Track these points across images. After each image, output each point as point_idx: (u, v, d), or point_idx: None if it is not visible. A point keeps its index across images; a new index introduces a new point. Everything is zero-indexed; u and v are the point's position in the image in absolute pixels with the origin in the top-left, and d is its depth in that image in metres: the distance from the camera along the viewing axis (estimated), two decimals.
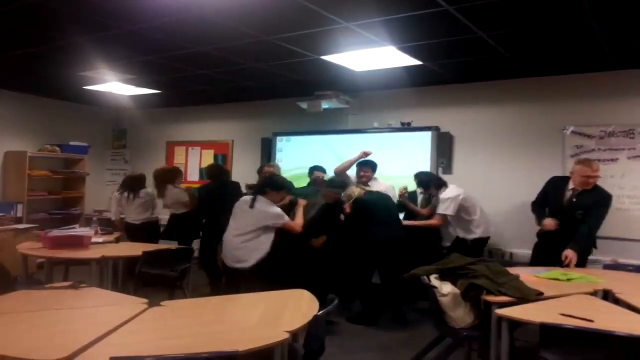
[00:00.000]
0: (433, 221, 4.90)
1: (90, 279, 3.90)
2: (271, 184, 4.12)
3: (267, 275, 3.90)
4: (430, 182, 4.95)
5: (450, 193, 4.77)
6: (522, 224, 5.09)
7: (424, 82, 5.62)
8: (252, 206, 3.98)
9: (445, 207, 4.73)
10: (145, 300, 2.64)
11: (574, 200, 4.12)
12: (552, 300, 2.84)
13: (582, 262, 3.97)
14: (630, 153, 4.78)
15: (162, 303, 2.63)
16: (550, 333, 2.36)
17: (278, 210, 4.03)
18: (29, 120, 7.29)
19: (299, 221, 4.18)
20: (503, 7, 3.23)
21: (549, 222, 4.17)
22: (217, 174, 5.57)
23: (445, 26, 3.62)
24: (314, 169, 5.50)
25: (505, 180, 5.36)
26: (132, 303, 2.65)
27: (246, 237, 3.95)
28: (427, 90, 5.82)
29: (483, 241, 4.85)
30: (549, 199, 4.32)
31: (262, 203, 4.00)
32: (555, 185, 4.33)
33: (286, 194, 4.30)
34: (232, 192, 5.06)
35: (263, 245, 3.95)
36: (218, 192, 5.33)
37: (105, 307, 2.64)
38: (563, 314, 2.50)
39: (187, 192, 5.63)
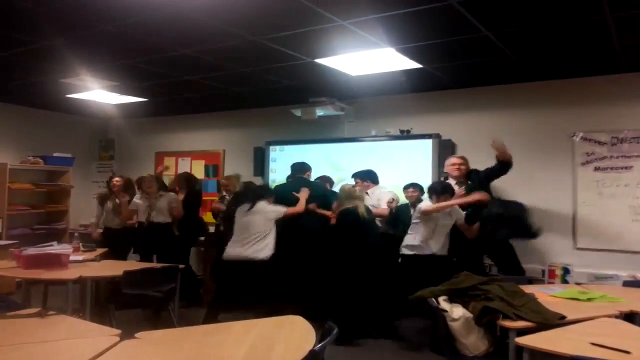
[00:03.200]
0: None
1: (68, 301, 3.63)
2: (268, 191, 4.75)
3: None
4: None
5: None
6: None
7: (424, 87, 5.39)
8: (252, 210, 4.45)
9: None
10: (118, 332, 2.34)
11: None
12: (576, 326, 2.59)
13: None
14: None
15: (136, 335, 2.31)
16: None
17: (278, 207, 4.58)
18: (10, 131, 6.95)
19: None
20: (511, 0, 2.97)
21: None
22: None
23: (447, 23, 3.39)
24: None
25: (512, 191, 5.05)
26: (102, 335, 2.35)
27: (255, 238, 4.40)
28: (428, 95, 5.59)
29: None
30: None
31: (264, 204, 4.51)
32: None
33: None
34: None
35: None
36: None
37: (70, 341, 2.32)
38: (594, 344, 2.22)
39: None
